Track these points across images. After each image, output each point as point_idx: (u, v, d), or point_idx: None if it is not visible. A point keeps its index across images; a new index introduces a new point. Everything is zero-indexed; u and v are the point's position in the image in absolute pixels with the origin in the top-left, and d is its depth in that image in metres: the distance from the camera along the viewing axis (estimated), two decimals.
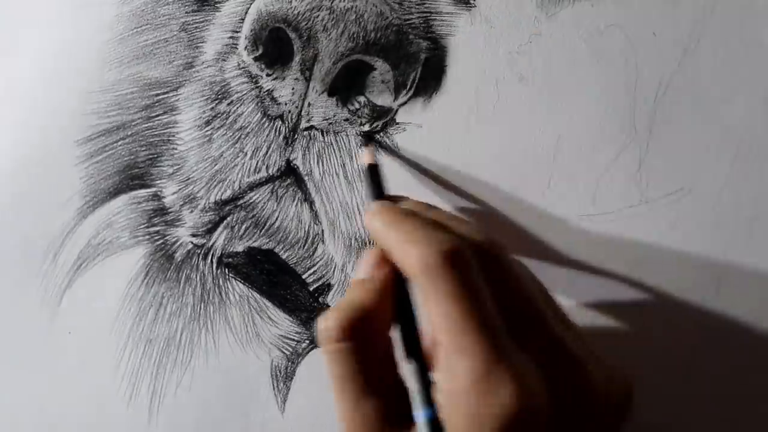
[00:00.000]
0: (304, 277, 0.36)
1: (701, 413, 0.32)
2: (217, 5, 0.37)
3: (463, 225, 0.28)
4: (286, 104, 0.35)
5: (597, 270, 0.34)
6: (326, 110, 0.35)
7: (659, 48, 0.34)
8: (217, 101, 0.36)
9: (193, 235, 0.36)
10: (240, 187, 0.36)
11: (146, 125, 0.37)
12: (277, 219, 0.36)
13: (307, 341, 0.35)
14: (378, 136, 0.35)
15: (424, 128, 0.35)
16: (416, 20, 0.35)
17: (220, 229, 0.36)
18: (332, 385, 0.27)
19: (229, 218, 0.36)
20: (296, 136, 0.36)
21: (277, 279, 0.36)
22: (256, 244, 0.36)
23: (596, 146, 0.34)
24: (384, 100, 0.35)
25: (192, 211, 0.36)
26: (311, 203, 0.36)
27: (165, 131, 0.37)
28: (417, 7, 0.35)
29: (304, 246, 0.36)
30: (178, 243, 0.37)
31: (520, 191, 0.34)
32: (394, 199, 0.32)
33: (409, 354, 0.26)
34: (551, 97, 0.34)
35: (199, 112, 0.37)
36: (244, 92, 0.36)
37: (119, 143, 0.37)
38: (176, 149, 0.37)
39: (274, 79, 0.36)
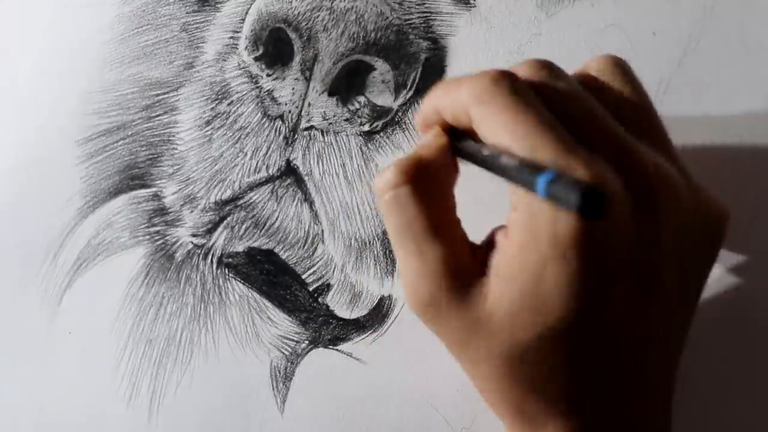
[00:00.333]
0: (303, 277, 0.36)
1: (702, 413, 0.32)
2: (218, 5, 0.37)
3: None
4: (286, 104, 0.35)
5: None
6: (326, 110, 0.35)
7: (659, 48, 0.34)
8: (217, 101, 0.36)
9: (194, 235, 0.36)
10: (240, 187, 0.36)
11: (146, 125, 0.37)
12: (277, 219, 0.36)
13: (307, 341, 0.35)
14: (378, 136, 0.35)
15: None
16: (416, 20, 0.35)
17: (220, 229, 0.36)
18: (392, 237, 0.25)
19: (229, 218, 0.36)
20: (296, 136, 0.36)
21: (276, 279, 0.36)
22: (256, 244, 0.36)
23: None
24: (384, 100, 0.35)
25: (192, 211, 0.36)
26: (311, 203, 0.36)
27: (165, 131, 0.37)
28: (417, 7, 0.35)
29: (304, 246, 0.36)
30: (179, 243, 0.37)
31: None
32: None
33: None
34: None
35: (200, 112, 0.37)
36: (245, 92, 0.36)
37: (119, 143, 0.37)
38: (176, 149, 0.37)
39: (274, 79, 0.36)
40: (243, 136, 0.36)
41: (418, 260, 0.25)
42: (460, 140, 0.26)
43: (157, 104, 0.37)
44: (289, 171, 0.36)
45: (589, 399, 0.24)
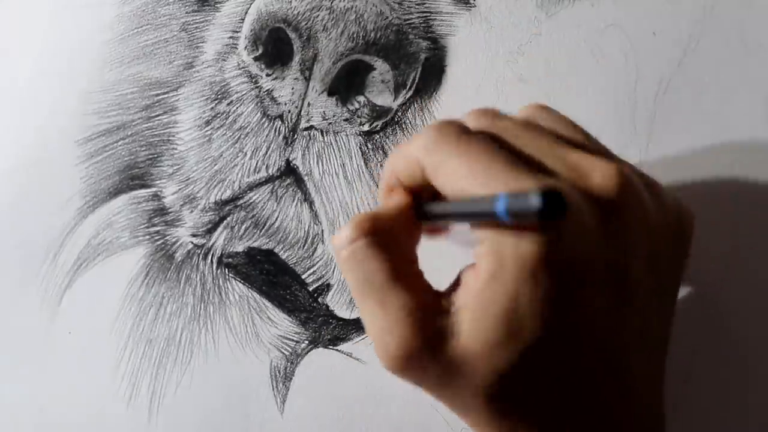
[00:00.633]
0: (303, 277, 0.36)
1: (700, 413, 0.32)
2: (217, 5, 0.37)
3: None
4: (285, 104, 0.35)
5: None
6: (326, 110, 0.35)
7: (659, 48, 0.34)
8: (217, 101, 0.36)
9: (193, 235, 0.36)
10: (240, 187, 0.36)
11: (146, 125, 0.37)
12: (277, 219, 0.36)
13: (306, 341, 0.35)
14: (377, 136, 0.35)
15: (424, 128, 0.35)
16: (416, 20, 0.35)
17: (220, 229, 0.36)
18: (354, 293, 0.25)
19: (229, 218, 0.36)
20: (296, 136, 0.36)
21: (276, 279, 0.36)
22: (256, 244, 0.36)
23: None
24: (384, 100, 0.35)
25: (192, 211, 0.36)
26: (311, 203, 0.36)
27: (165, 131, 0.37)
28: (417, 6, 0.35)
29: (303, 246, 0.36)
30: (178, 243, 0.37)
31: None
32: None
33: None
34: (551, 97, 0.34)
35: (199, 112, 0.37)
36: (244, 92, 0.36)
37: (119, 143, 0.38)
38: (176, 149, 0.37)
39: (273, 79, 0.36)
40: (243, 136, 0.36)
41: (382, 311, 0.24)
42: (422, 203, 0.26)
43: (156, 104, 0.37)
44: (289, 171, 0.36)
45: (579, 412, 0.23)
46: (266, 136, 0.36)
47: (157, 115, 0.37)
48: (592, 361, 0.23)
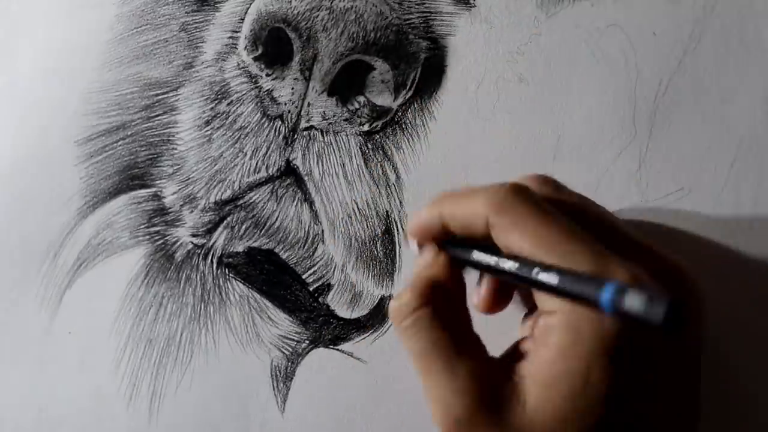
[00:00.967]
0: (304, 277, 0.36)
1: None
2: (217, 5, 0.37)
3: None
4: (285, 104, 0.35)
5: None
6: (326, 110, 0.35)
7: (659, 48, 0.34)
8: (216, 101, 0.36)
9: (193, 235, 0.36)
10: (240, 187, 0.36)
11: (146, 125, 0.37)
12: (277, 219, 0.36)
13: (307, 341, 0.35)
14: (377, 136, 0.35)
15: (424, 128, 0.35)
16: (416, 20, 0.35)
17: (220, 229, 0.36)
18: (416, 359, 0.25)
19: (229, 218, 0.36)
20: (296, 136, 0.36)
21: (277, 279, 0.36)
22: (256, 244, 0.36)
23: (596, 146, 0.34)
24: (384, 100, 0.35)
25: (192, 211, 0.36)
26: (311, 203, 0.36)
27: (165, 131, 0.37)
28: (417, 7, 0.35)
29: (304, 246, 0.36)
30: (178, 243, 0.37)
31: None
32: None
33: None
34: (551, 97, 0.34)
35: (199, 112, 0.37)
36: (244, 92, 0.36)
37: (119, 143, 0.37)
38: (176, 149, 0.37)
39: (273, 79, 0.36)
40: (243, 136, 0.36)
41: (449, 378, 0.25)
42: (462, 250, 0.26)
43: (156, 104, 0.37)
44: (289, 171, 0.36)
45: None
46: (266, 136, 0.36)
47: (157, 115, 0.37)
48: None
